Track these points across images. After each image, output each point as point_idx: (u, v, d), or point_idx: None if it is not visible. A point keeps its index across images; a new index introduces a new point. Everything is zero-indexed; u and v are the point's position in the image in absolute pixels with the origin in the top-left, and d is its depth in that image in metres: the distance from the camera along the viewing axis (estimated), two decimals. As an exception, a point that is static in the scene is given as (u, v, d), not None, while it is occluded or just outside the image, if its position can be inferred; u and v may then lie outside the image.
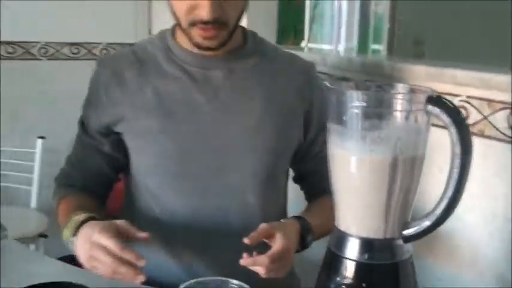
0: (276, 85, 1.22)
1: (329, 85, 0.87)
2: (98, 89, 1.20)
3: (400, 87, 0.91)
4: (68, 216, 1.11)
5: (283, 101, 1.22)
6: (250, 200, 1.19)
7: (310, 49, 2.58)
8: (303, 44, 3.96)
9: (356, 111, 0.84)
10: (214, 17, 1.05)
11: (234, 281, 0.89)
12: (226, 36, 1.11)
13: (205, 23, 1.06)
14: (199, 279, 0.89)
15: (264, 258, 1.01)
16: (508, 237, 1.17)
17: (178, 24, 1.15)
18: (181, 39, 1.19)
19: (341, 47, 5.04)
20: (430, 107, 0.82)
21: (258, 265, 1.02)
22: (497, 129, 1.17)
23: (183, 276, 1.15)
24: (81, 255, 1.01)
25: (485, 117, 1.19)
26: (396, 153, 0.82)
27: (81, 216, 1.07)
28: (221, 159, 1.17)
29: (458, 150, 0.81)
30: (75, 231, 1.04)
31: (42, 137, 2.72)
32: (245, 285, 0.89)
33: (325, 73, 1.67)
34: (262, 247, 1.05)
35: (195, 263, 1.17)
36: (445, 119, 0.82)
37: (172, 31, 1.22)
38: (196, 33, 1.10)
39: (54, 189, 1.28)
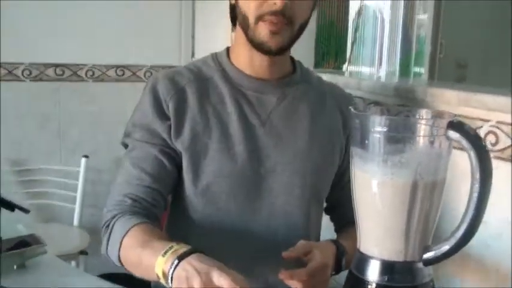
0: (321, 112, 1.28)
1: (353, 110, 0.89)
2: (160, 100, 1.21)
3: (424, 112, 0.93)
4: (152, 244, 1.03)
5: (328, 128, 1.27)
6: (297, 220, 1.23)
7: (350, 73, 2.60)
8: (344, 66, 3.97)
9: (378, 135, 0.86)
10: (285, 4, 1.10)
11: None
12: (288, 37, 1.16)
13: (275, 14, 1.11)
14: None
15: (301, 272, 1.05)
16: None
17: (236, 43, 1.22)
18: (237, 62, 1.24)
19: (382, 70, 5.05)
20: (450, 132, 0.84)
21: (295, 278, 1.05)
22: (526, 154, 1.17)
23: None
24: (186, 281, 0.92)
25: (515, 143, 1.20)
26: (416, 177, 0.84)
27: (184, 247, 0.98)
28: (271, 180, 1.21)
29: (477, 175, 0.83)
30: (179, 258, 0.95)
31: (86, 156, 2.80)
32: None
33: (360, 97, 1.69)
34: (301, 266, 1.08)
35: None
36: (465, 144, 0.83)
37: (227, 54, 1.27)
38: (263, 29, 1.13)
39: (103, 236, 1.17)
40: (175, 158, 1.21)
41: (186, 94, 1.22)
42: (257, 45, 1.17)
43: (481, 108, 1.26)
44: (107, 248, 1.15)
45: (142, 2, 2.92)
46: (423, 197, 0.85)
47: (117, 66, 2.93)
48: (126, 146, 1.26)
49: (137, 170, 1.19)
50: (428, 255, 0.87)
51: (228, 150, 1.19)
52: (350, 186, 1.24)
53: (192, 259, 0.94)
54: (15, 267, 1.30)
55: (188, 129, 1.20)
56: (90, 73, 2.89)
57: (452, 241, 0.86)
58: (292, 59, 1.31)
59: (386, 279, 0.87)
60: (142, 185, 1.18)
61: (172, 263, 0.94)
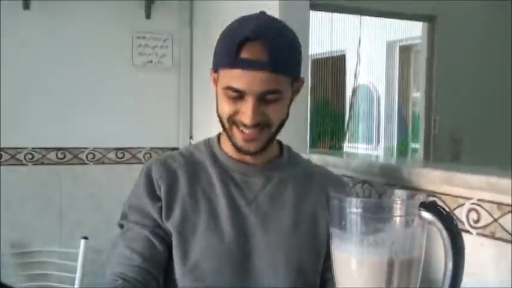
0: (307, 195, 1.32)
1: (331, 192, 0.94)
2: (152, 182, 1.26)
3: (400, 193, 0.98)
4: None
5: (314, 210, 1.31)
6: None
7: (346, 152, 2.66)
8: (344, 144, 4.00)
9: (354, 216, 0.91)
10: (255, 122, 1.17)
11: None
12: (266, 140, 1.22)
13: (246, 126, 1.18)
14: None
15: None
16: None
17: (223, 132, 1.27)
18: (226, 147, 1.30)
19: (380, 147, 5.13)
20: (423, 213, 0.89)
21: None
22: (507, 231, 1.20)
23: None
24: None
25: (495, 220, 1.23)
26: (392, 256, 0.88)
27: None
28: (257, 258, 1.24)
29: (450, 253, 0.87)
30: None
31: (85, 238, 2.82)
32: None
33: (350, 176, 1.73)
34: None
35: None
36: (437, 224, 0.87)
37: (218, 139, 1.34)
38: (238, 135, 1.21)
39: None
40: (165, 239, 1.25)
41: (177, 177, 1.28)
42: (237, 148, 1.24)
43: (463, 187, 1.30)
44: None
45: (141, 86, 3.03)
46: (400, 275, 0.88)
47: (117, 149, 3.01)
48: (121, 226, 1.31)
49: (128, 250, 1.23)
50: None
51: (216, 229, 1.24)
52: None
53: None
54: None
55: (178, 209, 1.25)
56: (90, 156, 2.96)
57: (431, 318, 0.89)
58: (280, 143, 1.37)
59: None
60: (132, 264, 1.21)
61: None
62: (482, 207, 1.27)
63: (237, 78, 1.16)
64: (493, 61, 3.52)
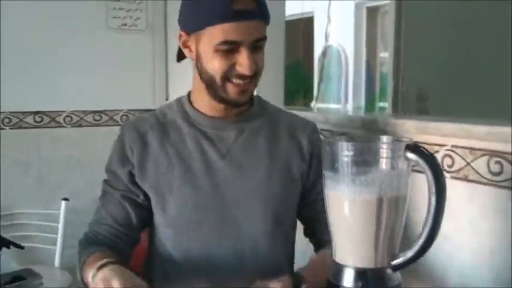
0: (279, 142, 1.38)
1: (324, 138, 1.02)
2: (124, 147, 1.33)
3: (385, 139, 1.07)
4: (93, 264, 1.17)
5: (286, 155, 1.37)
6: (261, 245, 1.32)
7: (318, 109, 2.75)
8: (312, 104, 4.10)
9: (346, 159, 0.99)
10: (254, 71, 1.22)
11: None
12: (254, 89, 1.29)
13: (243, 78, 1.23)
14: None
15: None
16: (496, 270, 1.30)
17: (196, 90, 1.33)
18: (198, 104, 1.35)
19: (349, 106, 5.24)
20: (408, 154, 0.98)
21: None
22: (479, 173, 1.31)
23: None
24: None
25: (468, 164, 1.33)
26: (381, 194, 0.97)
27: (102, 261, 1.15)
28: (234, 209, 1.31)
29: (433, 189, 0.96)
30: (96, 271, 1.12)
31: (66, 199, 2.87)
32: None
33: (328, 130, 1.82)
34: None
35: None
36: (422, 163, 0.96)
37: (188, 98, 1.38)
38: (233, 90, 1.25)
39: (78, 251, 1.31)
40: (137, 202, 1.33)
41: (148, 138, 1.33)
42: (225, 101, 1.28)
43: (437, 135, 1.39)
44: (80, 273, 1.27)
45: (116, 49, 3.05)
46: (388, 211, 0.97)
47: (95, 112, 3.04)
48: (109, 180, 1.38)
49: (105, 212, 1.34)
50: (395, 261, 1.00)
51: (191, 184, 1.30)
52: (316, 207, 1.37)
53: (107, 269, 1.10)
54: (13, 299, 1.38)
55: (152, 169, 1.31)
56: (68, 119, 2.98)
57: (416, 248, 0.98)
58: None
59: (360, 285, 0.99)
60: (106, 223, 1.33)
61: (93, 274, 1.11)
62: (456, 152, 1.37)
63: (232, 30, 1.19)
64: (460, 21, 3.61)
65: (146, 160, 1.32)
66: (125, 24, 3.04)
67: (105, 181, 1.37)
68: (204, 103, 1.33)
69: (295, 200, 1.39)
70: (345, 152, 0.99)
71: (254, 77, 1.25)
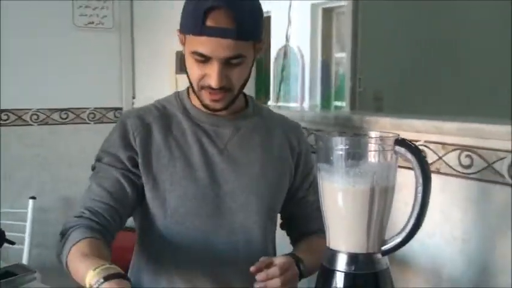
0: (272, 140, 1.46)
1: (318, 134, 1.10)
2: (127, 134, 1.36)
3: (373, 134, 1.16)
4: (90, 259, 1.14)
5: (279, 153, 1.46)
6: (254, 235, 1.40)
7: (278, 107, 2.83)
8: (269, 102, 4.17)
9: (340, 152, 1.08)
10: (220, 85, 1.28)
11: None
12: (230, 100, 1.34)
13: (212, 88, 1.29)
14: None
15: (274, 269, 1.23)
16: (467, 256, 1.41)
17: (191, 88, 1.38)
18: (195, 101, 1.40)
19: (306, 105, 5.36)
20: (397, 148, 1.07)
21: (270, 276, 1.22)
22: (450, 166, 1.42)
23: None
24: None
25: (440, 158, 1.44)
26: (373, 184, 1.06)
27: (113, 270, 1.08)
28: (230, 201, 1.38)
29: (420, 179, 1.05)
30: (106, 276, 1.06)
31: (33, 197, 2.86)
32: None
33: (303, 127, 1.90)
34: None
35: None
36: (409, 156, 1.06)
37: (187, 93, 1.44)
38: (205, 96, 1.32)
39: (59, 242, 1.27)
40: (135, 183, 1.35)
41: (152, 129, 1.38)
42: (204, 106, 1.36)
43: (411, 131, 1.50)
44: (61, 253, 1.24)
45: (83, 47, 3.06)
46: (379, 200, 1.06)
47: (61, 110, 3.04)
48: (93, 169, 1.40)
49: (99, 189, 1.32)
50: (385, 247, 1.09)
51: (191, 177, 1.36)
52: (305, 201, 1.47)
53: (115, 283, 1.04)
54: (6, 295, 1.41)
55: (155, 160, 1.36)
56: (34, 117, 2.98)
57: (403, 234, 1.08)
58: (244, 95, 1.49)
59: (353, 268, 1.08)
60: (102, 201, 1.31)
61: (98, 281, 1.04)
62: (428, 147, 1.47)
63: (202, 44, 1.25)
64: (415, 22, 3.75)
65: (150, 150, 1.36)
66: (92, 23, 3.05)
67: (100, 161, 1.37)
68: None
69: (284, 195, 1.48)
70: (339, 145, 1.07)
71: (227, 90, 1.31)
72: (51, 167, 3.01)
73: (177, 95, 1.47)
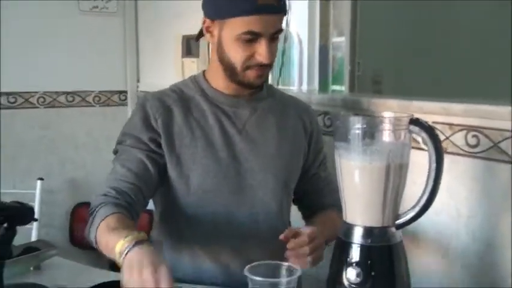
0: (286, 121, 1.53)
1: (335, 114, 1.16)
2: (149, 117, 1.41)
3: (387, 114, 1.21)
4: (119, 230, 1.17)
5: (293, 133, 1.53)
6: (273, 209, 1.47)
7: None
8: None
9: (358, 131, 1.13)
10: (271, 61, 1.35)
11: (285, 263, 1.17)
12: (268, 75, 1.42)
13: (262, 66, 1.35)
14: (259, 262, 1.14)
15: (303, 237, 1.28)
16: (472, 232, 1.47)
17: (212, 70, 1.44)
18: (215, 83, 1.46)
19: (304, 89, 5.38)
20: (412, 127, 1.13)
21: (300, 245, 1.28)
22: (457, 146, 1.48)
23: (220, 277, 1.42)
24: (133, 269, 1.04)
25: (447, 138, 1.50)
26: (389, 161, 1.11)
27: (142, 237, 1.11)
28: (250, 178, 1.45)
29: (433, 156, 1.11)
30: (136, 242, 1.09)
31: (41, 179, 2.90)
32: (295, 266, 1.16)
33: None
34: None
35: (231, 264, 1.43)
36: (423, 134, 1.11)
37: (203, 77, 1.49)
38: (252, 75, 1.37)
39: (92, 209, 1.30)
40: (158, 163, 1.41)
41: (173, 111, 1.44)
42: (243, 84, 1.41)
43: (419, 112, 1.54)
44: (89, 232, 1.28)
45: (88, 31, 3.09)
46: (394, 176, 1.12)
47: (67, 93, 3.07)
48: (116, 152, 1.45)
49: (124, 169, 1.37)
50: (399, 221, 1.15)
51: (213, 156, 1.42)
52: (317, 177, 1.53)
53: (145, 247, 1.08)
54: (31, 268, 1.46)
55: (177, 140, 1.41)
56: (41, 100, 3.01)
57: (417, 209, 1.14)
58: None
59: (369, 241, 1.13)
60: (126, 181, 1.35)
61: (128, 246, 1.08)
62: (436, 128, 1.52)
63: (254, 23, 1.30)
64: (412, 7, 3.79)
65: (172, 131, 1.41)
66: (96, 7, 3.08)
67: (122, 144, 1.41)
68: (221, 83, 1.45)
69: (299, 172, 1.55)
70: (357, 125, 1.13)
71: (269, 65, 1.38)
72: (58, 149, 3.06)
73: (193, 78, 1.52)
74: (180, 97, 1.46)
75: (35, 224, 2.88)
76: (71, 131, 3.09)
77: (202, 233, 1.44)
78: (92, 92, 3.14)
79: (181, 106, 1.45)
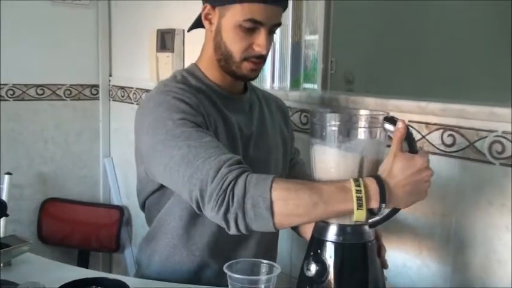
0: (273, 114, 1.55)
1: (312, 111, 1.15)
2: (190, 103, 1.28)
3: (363, 112, 1.20)
4: (320, 184, 1.11)
5: (280, 125, 1.56)
6: None
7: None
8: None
9: (333, 128, 1.12)
10: (268, 51, 1.32)
11: (265, 261, 1.16)
12: (261, 69, 1.38)
13: (259, 58, 1.32)
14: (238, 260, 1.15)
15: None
16: (447, 230, 1.47)
17: (206, 63, 1.40)
18: (212, 76, 1.40)
19: (275, 87, 5.38)
20: (386, 125, 1.12)
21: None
22: (433, 145, 1.48)
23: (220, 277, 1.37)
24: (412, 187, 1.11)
25: (423, 136, 1.50)
26: (362, 158, 1.11)
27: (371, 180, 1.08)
28: (257, 167, 1.27)
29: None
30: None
31: (9, 173, 2.84)
32: (275, 264, 1.14)
33: (288, 106, 1.94)
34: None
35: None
36: (398, 132, 1.11)
37: (199, 70, 1.41)
38: (248, 67, 1.33)
39: (244, 194, 1.13)
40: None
41: (199, 100, 1.33)
42: (238, 76, 1.36)
43: (396, 111, 1.54)
44: (245, 217, 1.12)
45: (59, 23, 3.02)
46: (368, 172, 1.12)
47: (37, 86, 3.01)
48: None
49: (212, 145, 1.21)
50: (372, 220, 1.14)
51: (230, 147, 1.31)
52: (295, 163, 1.61)
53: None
54: (1, 265, 1.42)
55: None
56: (10, 92, 2.94)
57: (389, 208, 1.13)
58: None
59: (341, 239, 1.13)
60: (225, 152, 1.20)
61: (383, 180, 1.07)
62: (412, 127, 1.52)
63: (259, 11, 1.27)
64: (386, 6, 3.80)
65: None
66: (69, -2, 3.02)
67: (183, 128, 1.23)
68: (217, 76, 1.40)
69: (288, 162, 1.58)
70: (333, 121, 1.12)
71: (265, 58, 1.35)
72: (27, 143, 2.98)
73: (190, 73, 1.42)
74: (193, 91, 1.35)
75: (2, 220, 2.83)
76: (40, 124, 3.02)
77: (202, 232, 1.39)
78: (63, 85, 3.07)
79: (196, 97, 1.33)
